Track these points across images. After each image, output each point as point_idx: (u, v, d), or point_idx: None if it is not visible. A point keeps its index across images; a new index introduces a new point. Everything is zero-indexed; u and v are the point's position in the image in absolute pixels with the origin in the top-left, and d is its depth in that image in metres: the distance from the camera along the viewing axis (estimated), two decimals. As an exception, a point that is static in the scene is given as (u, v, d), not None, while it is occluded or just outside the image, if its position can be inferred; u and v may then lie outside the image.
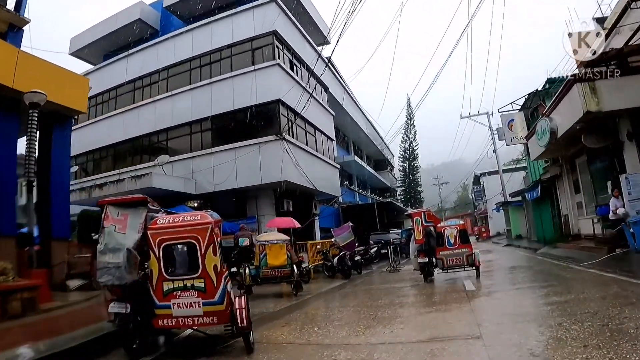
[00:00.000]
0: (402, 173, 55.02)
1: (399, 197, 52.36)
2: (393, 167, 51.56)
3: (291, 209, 18.58)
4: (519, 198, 26.05)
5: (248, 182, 17.04)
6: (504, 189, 30.74)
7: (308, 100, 18.29)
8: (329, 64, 22.82)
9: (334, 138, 23.57)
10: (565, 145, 14.18)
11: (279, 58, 18.02)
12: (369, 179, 38.08)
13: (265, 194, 18.27)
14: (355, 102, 32.08)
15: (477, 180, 47.10)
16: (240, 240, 11.63)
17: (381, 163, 44.20)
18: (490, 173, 42.64)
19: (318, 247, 16.63)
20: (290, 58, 19.59)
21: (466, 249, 9.97)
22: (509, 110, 22.31)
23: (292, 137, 18.05)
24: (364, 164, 32.42)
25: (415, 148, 54.90)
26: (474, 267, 9.86)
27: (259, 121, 17.58)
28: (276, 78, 17.65)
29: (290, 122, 18.11)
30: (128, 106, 21.04)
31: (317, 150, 20.54)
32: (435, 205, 65.25)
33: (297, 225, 15.60)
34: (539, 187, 19.70)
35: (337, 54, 49.04)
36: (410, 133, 55.07)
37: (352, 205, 27.38)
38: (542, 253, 15.42)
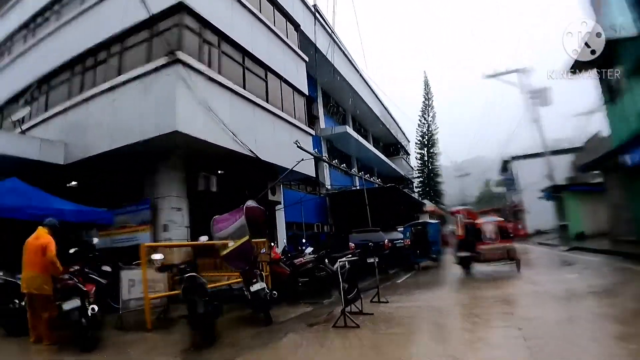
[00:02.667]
0: (419, 162, 47.05)
1: (416, 189, 44.47)
2: (409, 154, 43.75)
3: (214, 189, 11.46)
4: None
5: (128, 140, 10.15)
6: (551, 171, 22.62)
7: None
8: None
9: (307, 93, 16.21)
10: None
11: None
12: (376, 164, 30.65)
13: (170, 165, 11.18)
14: (353, 64, 24.59)
15: (505, 166, 38.33)
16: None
17: (393, 148, 36.50)
18: (524, 157, 34.09)
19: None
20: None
21: (506, 244, 10.31)
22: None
23: (207, 66, 10.84)
24: (365, 142, 24.93)
25: (434, 132, 46.83)
26: (513, 261, 10.11)
27: (153, 44, 10.53)
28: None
29: (203, 42, 10.96)
30: None
31: (267, 102, 13.26)
32: (457, 200, 56.80)
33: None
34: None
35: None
36: (429, 115, 47.06)
37: (342, 191, 19.91)
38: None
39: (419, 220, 15.86)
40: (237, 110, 11.65)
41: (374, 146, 30.76)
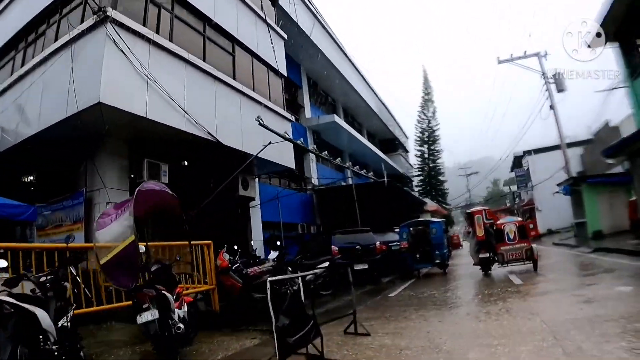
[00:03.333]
0: (419, 159, 44.86)
1: (416, 188, 42.31)
2: (408, 151, 41.61)
3: (164, 180, 9.42)
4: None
5: (53, 119, 8.16)
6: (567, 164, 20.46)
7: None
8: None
9: (285, 74, 14.12)
10: None
11: None
12: (372, 161, 28.49)
13: (110, 151, 9.17)
14: (343, 51, 22.51)
15: (518, 162, 36.15)
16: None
17: (390, 144, 34.34)
18: (537, 151, 31.99)
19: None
20: None
21: (525, 244, 10.27)
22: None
23: (155, 31, 8.79)
24: (356, 133, 22.77)
25: (435, 128, 44.65)
26: (532, 261, 10.04)
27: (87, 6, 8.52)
28: None
29: (150, 3, 8.94)
30: None
31: (235, 79, 11.17)
32: (463, 200, 54.45)
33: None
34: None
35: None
36: (429, 110, 44.92)
37: (331, 187, 17.79)
38: None
39: (420, 219, 13.55)
40: (193, 85, 9.55)
41: (369, 141, 28.76)
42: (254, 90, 11.91)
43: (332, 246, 10.46)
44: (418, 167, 44.49)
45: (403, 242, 11.75)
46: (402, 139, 39.23)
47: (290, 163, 12.99)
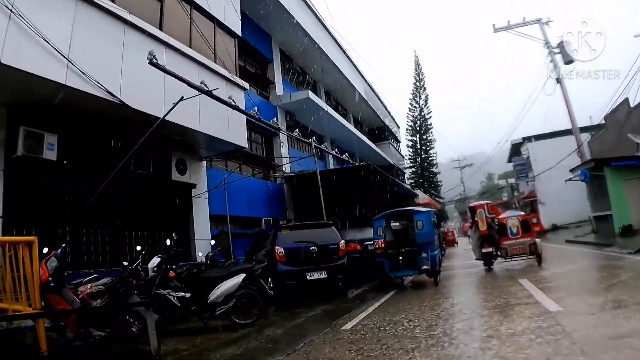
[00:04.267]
0: (411, 150, 42.40)
1: (408, 180, 39.87)
2: (399, 141, 39.14)
3: (50, 155, 6.82)
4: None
5: None
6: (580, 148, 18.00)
7: None
8: None
9: (239, 34, 11.47)
10: None
11: None
12: (358, 149, 26.00)
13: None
14: (323, 24, 19.87)
15: (516, 150, 33.62)
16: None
17: (379, 133, 31.82)
18: (538, 137, 29.50)
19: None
20: None
21: (528, 238, 10.02)
22: None
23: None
24: (336, 115, 20.18)
25: (427, 117, 42.15)
26: (535, 256, 9.85)
27: None
28: None
29: None
30: None
31: (161, 30, 8.56)
32: (457, 194, 52.05)
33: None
34: None
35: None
36: (420, 98, 42.43)
37: (302, 174, 15.22)
38: None
39: (402, 208, 10.61)
40: (88, 29, 6.95)
41: (356, 128, 26.30)
42: (190, 47, 9.31)
43: (276, 247, 7.76)
44: (410, 158, 42.07)
45: (377, 240, 8.85)
46: (393, 128, 36.76)
47: (241, 140, 10.41)
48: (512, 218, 10.54)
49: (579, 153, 17.74)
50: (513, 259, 10.33)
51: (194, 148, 10.12)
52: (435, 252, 8.92)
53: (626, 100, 18.42)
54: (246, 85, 11.00)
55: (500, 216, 10.83)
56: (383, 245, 8.79)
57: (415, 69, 43.32)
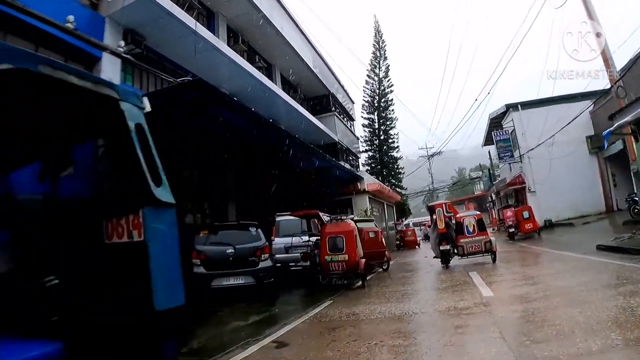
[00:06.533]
0: (368, 130, 35.71)
1: (364, 167, 33.23)
2: (353, 119, 32.24)
3: None
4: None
5: None
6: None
7: None
8: None
9: None
10: None
11: None
12: (287, 117, 18.80)
13: None
14: None
15: (496, 123, 26.78)
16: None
17: (320, 102, 24.68)
18: (526, 105, 22.96)
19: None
20: None
21: (484, 236, 10.67)
22: None
23: None
24: (224, 46, 12.89)
25: (388, 89, 35.47)
26: (490, 253, 10.47)
27: None
28: None
29: None
30: None
31: None
32: (426, 185, 46.06)
33: None
34: None
35: None
36: (380, 68, 35.69)
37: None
38: None
39: None
40: None
41: (291, 97, 19.33)
42: None
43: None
44: (366, 140, 35.35)
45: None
46: (348, 105, 29.94)
47: None
48: (468, 217, 11.07)
49: (616, 90, 11.26)
50: (469, 257, 10.92)
51: None
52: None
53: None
54: None
55: (458, 215, 11.49)
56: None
57: (376, 35, 36.50)
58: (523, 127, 22.74)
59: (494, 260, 10.31)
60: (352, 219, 10.48)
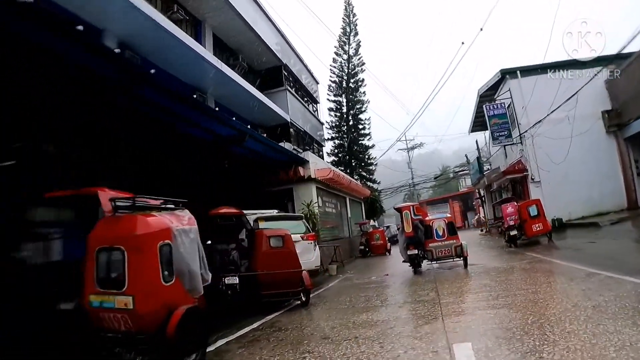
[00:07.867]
0: (335, 114, 31.25)
1: (330, 155, 28.76)
2: (317, 102, 27.65)
3: None
4: None
5: None
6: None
7: None
8: None
9: None
10: None
11: None
12: (219, 88, 14.04)
13: None
14: None
15: (490, 96, 21.79)
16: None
17: (273, 77, 19.88)
18: (526, 71, 18.41)
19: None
20: None
21: (454, 241, 10.27)
22: None
23: None
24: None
25: (358, 68, 31.05)
26: (461, 258, 10.15)
27: None
28: None
29: None
30: None
31: None
32: (404, 180, 42.04)
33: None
34: None
35: None
36: (350, 45, 31.23)
37: None
38: None
39: None
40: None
41: (243, 76, 14.72)
42: None
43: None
44: (333, 127, 30.85)
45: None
46: (312, 86, 25.42)
47: None
48: (438, 220, 10.70)
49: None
50: (440, 262, 10.70)
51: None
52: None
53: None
54: None
55: (427, 218, 11.13)
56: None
57: (346, 8, 31.98)
58: (523, 100, 17.81)
59: (465, 265, 9.99)
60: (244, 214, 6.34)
